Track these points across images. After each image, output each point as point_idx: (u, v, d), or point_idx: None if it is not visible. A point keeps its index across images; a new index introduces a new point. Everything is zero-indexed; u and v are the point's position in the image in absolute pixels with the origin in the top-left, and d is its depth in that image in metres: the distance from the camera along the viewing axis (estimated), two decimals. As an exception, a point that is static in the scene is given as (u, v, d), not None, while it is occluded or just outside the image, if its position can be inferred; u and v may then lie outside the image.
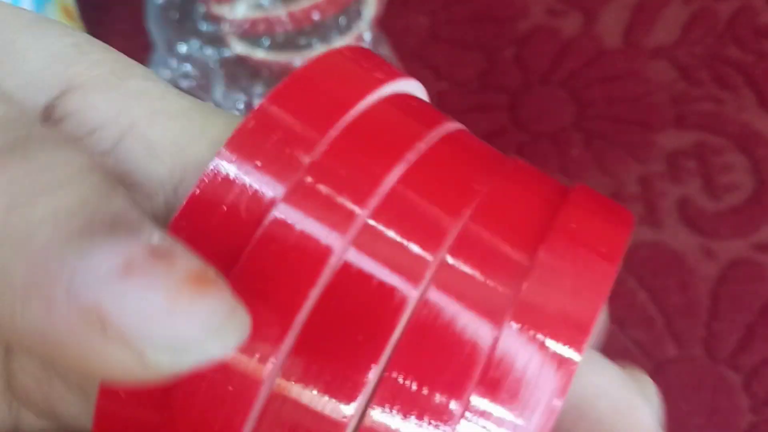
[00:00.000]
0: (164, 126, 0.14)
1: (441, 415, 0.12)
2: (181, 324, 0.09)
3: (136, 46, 0.47)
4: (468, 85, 0.48)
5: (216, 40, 0.44)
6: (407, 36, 0.51)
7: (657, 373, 0.36)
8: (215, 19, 0.44)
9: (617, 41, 0.49)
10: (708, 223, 0.40)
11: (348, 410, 0.11)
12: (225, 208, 0.12)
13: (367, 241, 0.12)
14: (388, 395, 0.12)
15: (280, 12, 0.42)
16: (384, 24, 0.48)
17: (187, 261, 0.10)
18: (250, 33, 0.43)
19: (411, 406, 0.12)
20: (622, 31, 0.50)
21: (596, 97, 0.47)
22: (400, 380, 0.12)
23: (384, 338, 0.12)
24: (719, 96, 0.45)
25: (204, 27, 0.45)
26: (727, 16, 0.49)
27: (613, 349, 0.37)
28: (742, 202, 0.41)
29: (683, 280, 0.39)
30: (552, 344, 0.12)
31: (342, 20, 0.44)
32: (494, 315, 0.12)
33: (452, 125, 0.16)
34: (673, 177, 0.42)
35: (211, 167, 0.12)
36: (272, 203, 0.12)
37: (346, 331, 0.12)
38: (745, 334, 0.37)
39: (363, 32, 0.45)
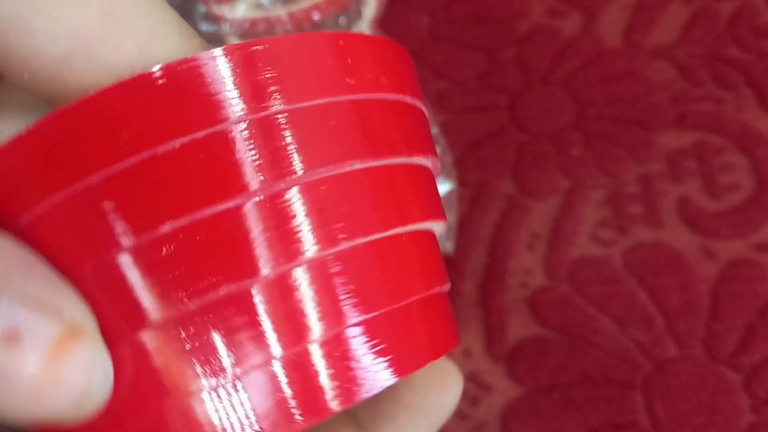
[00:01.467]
0: None
1: None
2: (49, 404, 0.11)
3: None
4: (468, 85, 0.48)
5: (216, 40, 0.44)
6: (407, 36, 0.51)
7: (657, 374, 0.36)
8: (215, 19, 0.44)
9: (617, 41, 0.49)
10: (708, 223, 0.40)
11: None
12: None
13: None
14: None
15: (280, 12, 0.42)
16: (384, 24, 0.48)
17: (41, 333, 0.11)
18: (250, 33, 0.43)
19: None
20: (622, 31, 0.50)
21: (596, 97, 0.47)
22: None
23: None
24: (719, 96, 0.45)
25: (204, 27, 0.45)
26: (727, 16, 0.49)
27: (613, 349, 0.37)
28: (742, 202, 0.41)
29: (683, 280, 0.39)
30: None
31: (342, 20, 0.44)
32: None
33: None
34: (673, 177, 0.42)
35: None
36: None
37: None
38: (745, 334, 0.37)
39: (363, 32, 0.45)
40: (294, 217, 0.12)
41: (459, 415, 0.36)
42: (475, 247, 0.41)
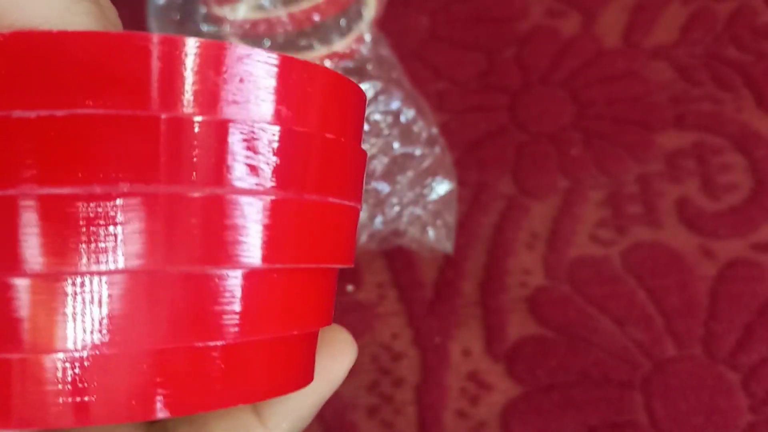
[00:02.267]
0: None
1: None
2: None
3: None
4: (468, 85, 0.48)
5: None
6: (407, 36, 0.51)
7: (657, 373, 0.36)
8: (216, 21, 0.44)
9: (617, 41, 0.50)
10: (707, 223, 0.41)
11: None
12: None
13: None
14: None
15: (281, 13, 0.42)
16: (384, 24, 0.48)
17: None
18: (251, 34, 0.43)
19: None
20: (622, 31, 0.50)
21: (596, 97, 0.47)
22: None
23: None
24: (718, 96, 0.46)
25: (205, 28, 0.45)
26: (726, 16, 0.50)
27: (612, 349, 0.37)
28: (741, 202, 0.41)
29: (682, 280, 0.39)
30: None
31: (342, 21, 0.44)
32: None
33: None
34: (672, 177, 0.43)
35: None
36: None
37: None
38: (744, 334, 0.37)
39: (363, 33, 0.45)
40: (190, 221, 0.12)
41: (459, 414, 0.36)
42: (475, 247, 0.41)
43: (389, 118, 0.43)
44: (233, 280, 0.13)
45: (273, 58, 0.13)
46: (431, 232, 0.41)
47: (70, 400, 0.12)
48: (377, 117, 0.43)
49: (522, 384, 0.37)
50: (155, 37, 0.12)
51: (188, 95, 0.12)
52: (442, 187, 0.42)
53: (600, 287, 0.39)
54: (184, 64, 0.12)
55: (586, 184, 0.43)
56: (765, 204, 0.41)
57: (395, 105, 0.44)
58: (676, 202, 0.42)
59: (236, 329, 0.13)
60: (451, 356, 0.38)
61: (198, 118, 0.12)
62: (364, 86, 0.44)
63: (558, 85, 0.48)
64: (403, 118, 0.43)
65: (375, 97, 0.43)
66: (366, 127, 0.43)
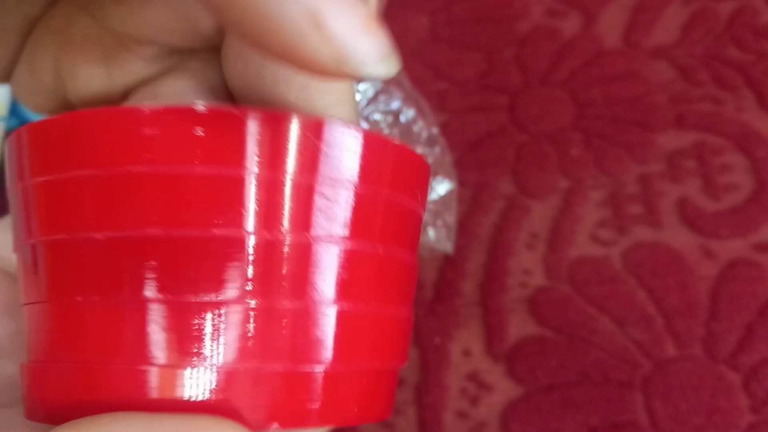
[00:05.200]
0: None
1: None
2: (367, 43, 0.13)
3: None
4: (468, 85, 0.48)
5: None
6: (407, 36, 0.51)
7: (657, 373, 0.36)
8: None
9: (617, 41, 0.50)
10: (707, 223, 0.41)
11: None
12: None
13: None
14: None
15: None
16: (384, 24, 0.48)
17: (372, 6, 0.13)
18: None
19: None
20: (622, 32, 0.50)
21: (596, 97, 0.47)
22: None
23: None
24: (719, 96, 0.45)
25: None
26: (726, 16, 0.49)
27: (612, 349, 0.37)
28: (741, 202, 0.41)
29: (683, 280, 0.39)
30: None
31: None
32: None
33: None
34: (672, 177, 0.43)
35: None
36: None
37: None
38: (745, 334, 0.37)
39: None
40: (282, 263, 0.15)
41: (459, 414, 0.36)
42: (475, 247, 0.41)
43: (389, 118, 0.43)
44: (331, 315, 0.15)
45: (359, 132, 0.16)
46: (431, 232, 0.41)
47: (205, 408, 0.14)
48: (377, 117, 0.43)
49: (522, 384, 0.36)
50: (270, 113, 0.14)
51: (290, 161, 0.15)
52: (442, 187, 0.42)
53: (600, 287, 0.39)
54: (289, 137, 0.15)
55: (586, 184, 0.43)
56: (766, 204, 0.41)
57: (395, 105, 0.43)
58: (676, 202, 0.41)
59: (334, 357, 0.15)
60: (451, 356, 0.38)
61: (289, 180, 0.15)
62: (364, 86, 0.44)
63: (558, 85, 0.48)
64: (403, 118, 0.43)
65: (375, 97, 0.43)
66: (366, 126, 0.43)
